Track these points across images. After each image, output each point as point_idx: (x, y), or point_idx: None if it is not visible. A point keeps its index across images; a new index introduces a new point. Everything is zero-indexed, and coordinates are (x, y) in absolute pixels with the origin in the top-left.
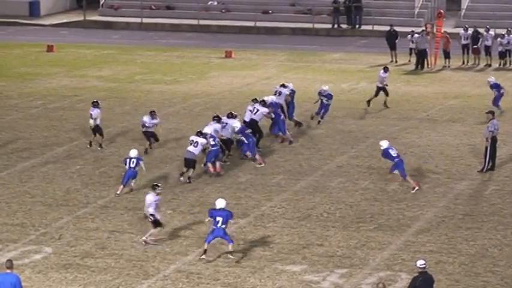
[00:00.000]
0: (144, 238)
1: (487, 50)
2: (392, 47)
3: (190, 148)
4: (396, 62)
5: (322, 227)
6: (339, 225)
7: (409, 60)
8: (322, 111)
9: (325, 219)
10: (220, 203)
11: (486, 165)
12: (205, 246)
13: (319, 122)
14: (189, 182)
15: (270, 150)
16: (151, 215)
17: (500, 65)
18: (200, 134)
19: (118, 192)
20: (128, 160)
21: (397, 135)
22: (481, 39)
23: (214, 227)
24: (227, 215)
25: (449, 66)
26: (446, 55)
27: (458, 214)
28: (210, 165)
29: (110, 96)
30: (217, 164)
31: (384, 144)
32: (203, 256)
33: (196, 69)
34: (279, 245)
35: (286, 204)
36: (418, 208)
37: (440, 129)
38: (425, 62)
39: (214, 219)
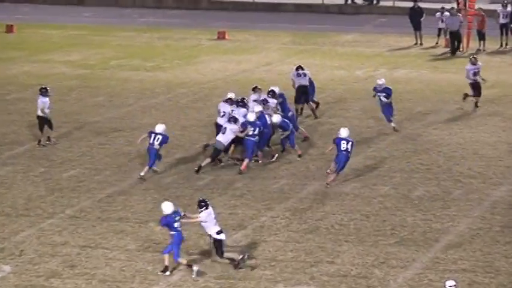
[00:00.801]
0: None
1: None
2: (417, 26)
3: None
4: (421, 44)
5: (334, 241)
6: (353, 239)
7: (437, 43)
8: (387, 113)
9: (336, 232)
10: (167, 208)
11: None
12: (184, 262)
13: (394, 129)
14: (197, 172)
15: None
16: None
17: None
18: (234, 120)
19: (142, 173)
20: (152, 135)
21: (422, 132)
22: None
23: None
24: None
25: (484, 50)
26: (481, 36)
27: (495, 226)
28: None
29: (80, 85)
30: (246, 161)
31: (343, 133)
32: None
33: (183, 53)
34: (281, 263)
35: (291, 214)
36: (448, 219)
37: (474, 124)
38: (459, 46)
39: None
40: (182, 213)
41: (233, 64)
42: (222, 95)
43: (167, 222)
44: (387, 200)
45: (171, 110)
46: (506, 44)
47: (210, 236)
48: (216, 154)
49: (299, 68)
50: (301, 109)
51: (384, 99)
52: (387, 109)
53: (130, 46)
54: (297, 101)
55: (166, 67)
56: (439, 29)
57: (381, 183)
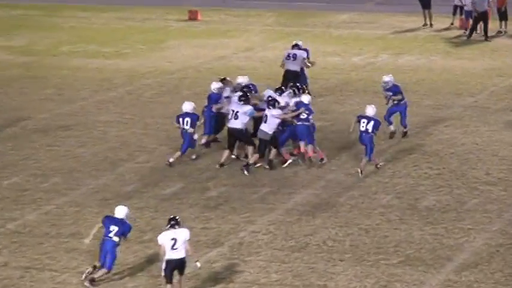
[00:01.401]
0: None
1: None
2: (426, 4)
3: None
4: (431, 25)
5: (326, 261)
6: (349, 258)
7: (452, 23)
8: (400, 114)
9: (329, 250)
10: (121, 212)
11: None
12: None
13: (405, 134)
14: (269, 168)
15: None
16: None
17: None
18: (273, 102)
19: (171, 159)
20: (180, 119)
21: (432, 130)
22: None
23: (105, 238)
24: (125, 227)
25: (505, 32)
26: (502, 16)
27: None
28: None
29: (25, 76)
30: (310, 146)
31: (368, 111)
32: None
33: (148, 36)
34: (264, 287)
35: (275, 228)
36: (462, 233)
37: (493, 121)
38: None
39: (107, 228)
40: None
41: (207, 50)
42: (193, 86)
43: (105, 223)
44: (390, 212)
45: (133, 105)
46: None
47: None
48: (264, 146)
49: (295, 46)
50: None
51: (394, 98)
52: (402, 111)
53: (85, 29)
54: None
55: (128, 54)
56: (455, 7)
57: (383, 191)
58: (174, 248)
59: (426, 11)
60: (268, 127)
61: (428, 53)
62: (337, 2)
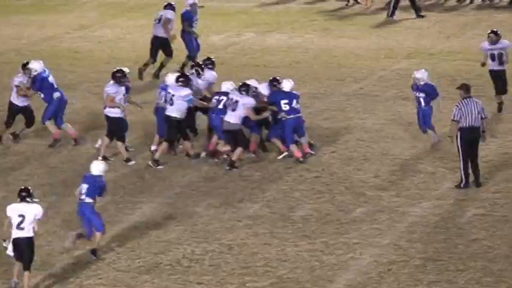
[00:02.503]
0: None
1: None
2: None
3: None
4: None
5: (181, 284)
6: (209, 281)
7: None
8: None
9: (185, 271)
10: (95, 168)
11: (465, 179)
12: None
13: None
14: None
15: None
16: None
17: None
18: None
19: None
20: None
21: (309, 124)
22: None
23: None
24: (96, 185)
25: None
26: None
27: (414, 258)
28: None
29: None
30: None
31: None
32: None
33: None
34: None
35: (118, 245)
36: (346, 249)
37: (382, 112)
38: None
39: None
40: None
41: (32, 28)
42: (16, 72)
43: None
44: (258, 224)
45: None
46: None
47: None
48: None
49: (167, 6)
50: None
51: (423, 102)
52: (426, 116)
53: None
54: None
55: None
56: None
57: (249, 199)
58: (21, 227)
59: None
60: (235, 117)
61: (303, 31)
62: None
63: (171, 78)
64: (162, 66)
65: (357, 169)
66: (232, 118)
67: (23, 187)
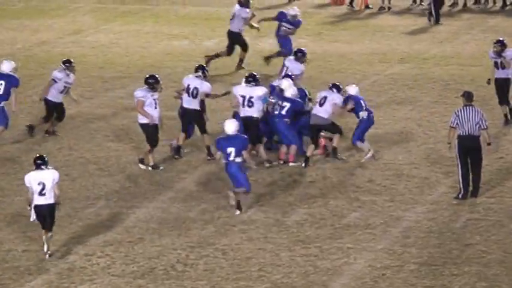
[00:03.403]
0: None
1: None
2: None
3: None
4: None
5: None
6: (204, 286)
7: None
8: None
9: (179, 276)
10: (229, 127)
11: (463, 189)
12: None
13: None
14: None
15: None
16: None
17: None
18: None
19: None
20: None
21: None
22: None
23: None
24: (241, 142)
25: (389, 8)
26: None
27: (409, 263)
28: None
29: None
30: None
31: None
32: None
33: None
34: None
35: (113, 250)
36: (341, 254)
37: (376, 117)
38: None
39: (225, 151)
40: None
41: (26, 33)
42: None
43: None
44: (252, 228)
45: None
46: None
47: None
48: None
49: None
50: None
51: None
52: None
53: None
54: None
55: None
56: None
57: (243, 203)
58: (43, 193)
59: None
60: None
61: (296, 35)
62: None
63: (285, 83)
64: (241, 61)
65: (350, 174)
66: (322, 112)
67: (38, 155)
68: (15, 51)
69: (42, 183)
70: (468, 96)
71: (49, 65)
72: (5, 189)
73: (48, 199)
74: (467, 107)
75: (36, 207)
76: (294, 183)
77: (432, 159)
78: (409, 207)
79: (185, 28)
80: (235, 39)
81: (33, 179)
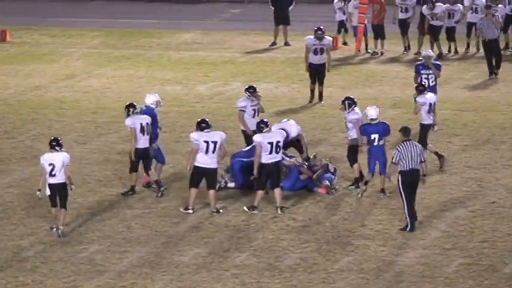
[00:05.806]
0: None
1: (452, 30)
2: (282, 19)
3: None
4: (287, 44)
5: None
6: None
7: (345, 43)
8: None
9: None
10: (372, 112)
11: (410, 223)
12: (368, 178)
13: None
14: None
15: None
16: None
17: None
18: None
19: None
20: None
21: None
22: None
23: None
24: (384, 128)
25: (382, 53)
26: (378, 33)
27: None
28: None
29: None
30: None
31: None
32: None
33: None
34: None
35: None
36: None
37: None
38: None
39: (369, 137)
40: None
41: (18, 78)
42: (3, 123)
43: None
44: (245, 273)
45: None
46: (409, 46)
47: None
48: None
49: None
50: None
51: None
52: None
53: None
54: None
55: None
56: (340, 23)
57: (236, 248)
58: (53, 174)
59: (281, 27)
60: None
61: (289, 80)
62: (176, 19)
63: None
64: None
65: (343, 218)
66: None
67: (53, 137)
68: (7, 96)
69: (52, 164)
70: (405, 131)
71: (41, 110)
72: None
73: (58, 179)
74: (407, 142)
75: (49, 185)
76: (286, 228)
77: (425, 204)
78: (401, 251)
79: (178, 73)
80: None
81: (46, 159)
